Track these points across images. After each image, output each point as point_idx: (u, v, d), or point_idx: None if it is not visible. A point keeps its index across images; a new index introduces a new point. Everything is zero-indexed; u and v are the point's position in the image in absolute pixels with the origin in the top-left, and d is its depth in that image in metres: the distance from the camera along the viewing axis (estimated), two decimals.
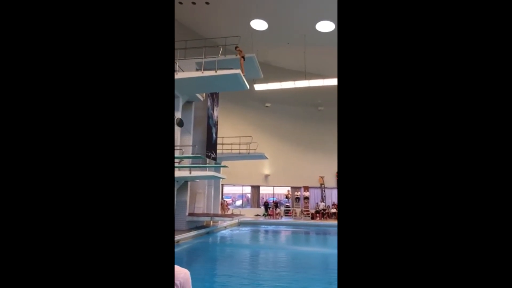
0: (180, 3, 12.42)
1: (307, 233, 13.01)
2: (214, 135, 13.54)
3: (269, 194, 19.06)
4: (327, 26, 13.45)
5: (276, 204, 17.09)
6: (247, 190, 18.57)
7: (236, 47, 9.55)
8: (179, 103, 9.77)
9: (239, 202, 18.66)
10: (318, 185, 18.37)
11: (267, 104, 18.30)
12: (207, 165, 11.74)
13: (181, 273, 1.05)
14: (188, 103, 11.12)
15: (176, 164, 8.80)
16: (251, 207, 18.10)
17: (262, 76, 11.75)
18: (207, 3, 12.51)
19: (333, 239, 11.14)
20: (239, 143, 14.39)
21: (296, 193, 18.38)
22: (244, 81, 8.72)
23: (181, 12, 12.87)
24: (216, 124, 13.97)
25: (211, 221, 12.51)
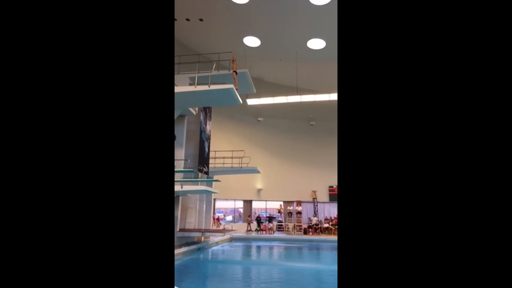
0: (175, 19, 12.61)
1: (299, 248, 12.84)
2: (206, 149, 13.48)
3: (261, 208, 18.86)
4: (318, 43, 13.78)
5: (270, 219, 16.89)
6: (240, 204, 18.36)
7: (233, 60, 9.69)
8: None
9: (230, 218, 18.41)
10: (311, 199, 18.29)
11: (259, 119, 18.38)
12: (199, 179, 11.62)
13: None
14: (180, 117, 11.09)
15: None
16: (243, 222, 17.87)
17: (255, 91, 11.86)
18: (201, 20, 12.72)
19: (326, 254, 11.00)
20: (232, 157, 14.33)
21: (288, 207, 18.24)
22: (237, 96, 8.78)
23: (175, 28, 13.03)
24: (208, 138, 13.94)
25: (202, 237, 12.27)
